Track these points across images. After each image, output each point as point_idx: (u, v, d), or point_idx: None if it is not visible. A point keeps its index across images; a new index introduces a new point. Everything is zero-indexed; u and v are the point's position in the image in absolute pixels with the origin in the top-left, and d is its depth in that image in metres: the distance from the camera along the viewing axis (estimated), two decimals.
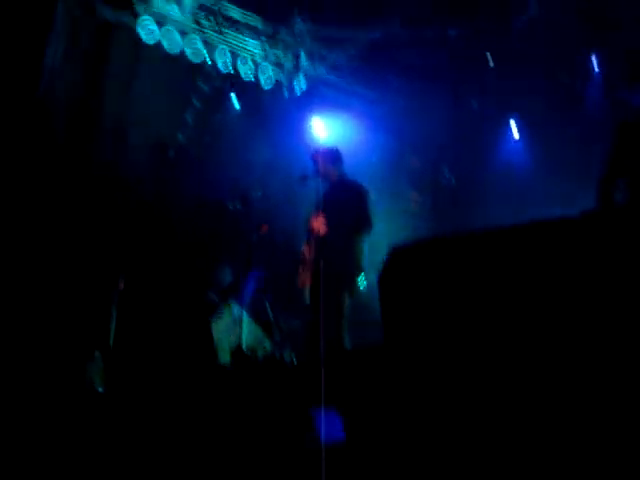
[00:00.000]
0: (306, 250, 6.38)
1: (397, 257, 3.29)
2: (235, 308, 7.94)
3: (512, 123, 11.27)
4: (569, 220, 2.92)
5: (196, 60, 10.01)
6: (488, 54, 10.21)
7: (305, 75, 10.85)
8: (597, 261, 2.68)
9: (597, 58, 9.96)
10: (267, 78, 10.63)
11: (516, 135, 11.25)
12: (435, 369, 2.99)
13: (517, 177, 10.51)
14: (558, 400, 2.55)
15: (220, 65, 10.24)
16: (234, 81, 10.81)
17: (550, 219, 3.00)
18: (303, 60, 10.68)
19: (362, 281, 6.31)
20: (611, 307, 2.58)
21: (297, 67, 10.67)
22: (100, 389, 6.62)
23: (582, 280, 2.69)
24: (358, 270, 6.22)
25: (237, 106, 11.23)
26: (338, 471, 3.16)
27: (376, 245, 6.47)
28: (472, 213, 10.43)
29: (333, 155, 6.75)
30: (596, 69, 10.01)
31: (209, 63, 10.26)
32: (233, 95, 11.11)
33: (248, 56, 10.48)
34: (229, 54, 10.28)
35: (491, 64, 10.42)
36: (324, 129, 11.32)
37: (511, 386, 2.69)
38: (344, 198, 6.41)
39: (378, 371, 3.24)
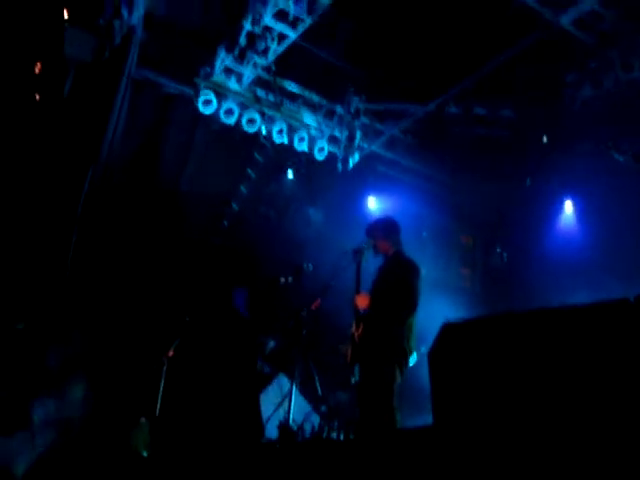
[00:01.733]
0: (354, 326, 6.30)
1: (448, 333, 3.26)
2: (284, 381, 7.89)
3: (567, 203, 11.15)
4: (621, 303, 2.88)
5: (251, 130, 10.19)
6: (544, 135, 10.18)
7: (359, 149, 10.97)
8: None
9: None
10: (320, 150, 10.78)
11: (571, 215, 11.13)
12: (484, 449, 2.93)
13: (570, 258, 10.35)
14: None
15: (275, 136, 10.42)
16: (289, 153, 10.96)
17: (602, 302, 2.96)
18: (358, 134, 10.81)
19: (412, 359, 6.21)
20: None
21: (351, 141, 10.79)
22: (144, 454, 6.60)
23: (632, 364, 2.65)
24: (409, 349, 6.12)
25: (291, 176, 11.37)
26: None
27: (425, 322, 6.40)
28: (523, 293, 10.30)
29: (387, 228, 6.64)
30: None
31: (264, 134, 10.45)
32: (289, 169, 11.25)
33: (304, 129, 10.66)
34: (285, 125, 10.46)
35: (544, 140, 10.41)
36: (377, 204, 11.38)
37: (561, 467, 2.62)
38: (395, 275, 6.32)
39: (429, 451, 3.18)
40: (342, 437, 7.39)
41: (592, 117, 9.56)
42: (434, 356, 3.32)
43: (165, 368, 8.00)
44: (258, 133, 10.46)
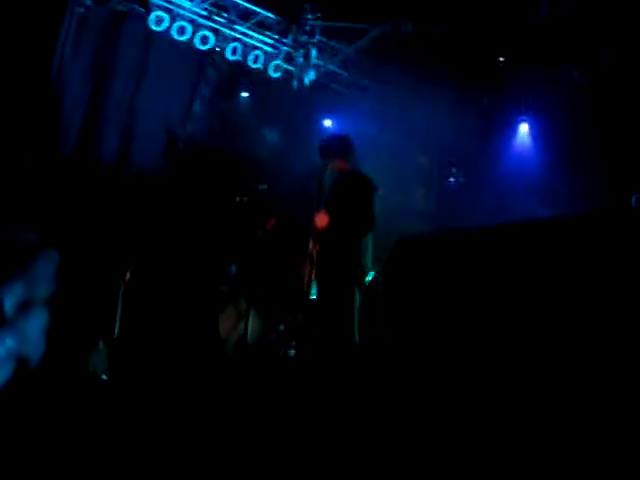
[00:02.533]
0: (312, 245, 6.29)
1: (402, 249, 3.27)
2: (242, 301, 7.92)
3: (523, 125, 11.18)
4: (575, 218, 2.91)
5: (204, 47, 9.98)
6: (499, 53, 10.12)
7: (315, 68, 10.82)
8: (601, 259, 2.67)
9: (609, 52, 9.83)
10: (276, 68, 10.63)
11: (526, 136, 11.17)
12: (434, 362, 2.97)
13: (527, 176, 10.44)
14: (554, 395, 2.53)
15: (229, 54, 10.23)
16: (244, 71, 10.78)
17: (556, 217, 2.99)
18: (313, 53, 10.64)
19: (369, 277, 6.24)
20: (613, 306, 2.56)
21: (307, 60, 10.63)
22: (104, 377, 6.62)
23: (586, 277, 2.67)
24: (366, 267, 6.14)
25: (246, 95, 11.20)
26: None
27: (382, 242, 6.42)
28: (479, 211, 10.38)
29: (343, 146, 6.58)
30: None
31: (218, 51, 10.26)
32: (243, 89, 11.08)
33: (258, 47, 10.47)
34: (239, 44, 10.27)
35: (501, 59, 10.36)
36: (334, 125, 11.29)
37: (509, 381, 2.67)
38: (349, 192, 6.29)
39: (384, 364, 3.23)
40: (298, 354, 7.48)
41: (549, 36, 9.51)
42: (387, 271, 3.35)
43: (122, 291, 7.98)
44: (212, 51, 10.26)
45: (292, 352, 7.50)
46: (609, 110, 9.07)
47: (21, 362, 4.67)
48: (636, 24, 8.85)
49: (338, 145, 6.57)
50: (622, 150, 6.70)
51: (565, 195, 9.20)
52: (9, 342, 4.67)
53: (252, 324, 6.87)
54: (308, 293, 6.27)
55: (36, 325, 4.92)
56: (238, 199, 6.98)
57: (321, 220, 6.18)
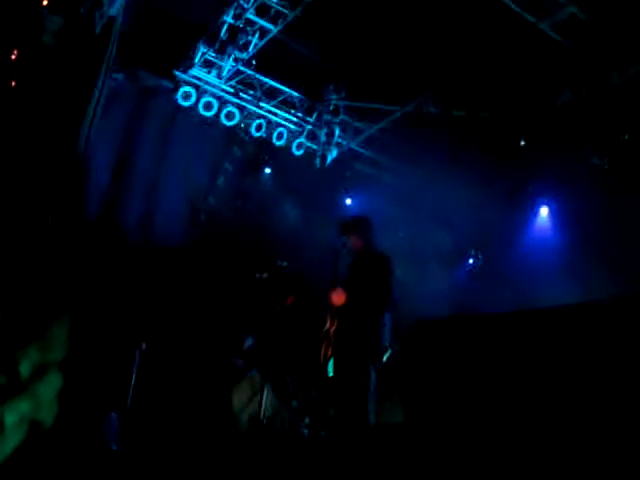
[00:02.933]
0: (329, 322, 6.27)
1: (421, 330, 3.26)
2: (256, 377, 7.86)
3: (543, 208, 11.21)
4: (595, 305, 2.90)
5: (230, 124, 10.17)
6: (521, 137, 10.23)
7: (338, 146, 10.98)
8: (622, 345, 2.66)
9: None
10: (299, 146, 10.79)
11: (546, 219, 11.19)
12: (454, 446, 2.93)
13: (546, 261, 10.39)
14: None
15: (254, 131, 10.41)
16: (267, 148, 10.96)
17: (576, 303, 2.99)
18: (336, 132, 10.82)
19: (386, 356, 6.20)
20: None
21: (330, 139, 10.80)
22: (114, 447, 6.55)
23: (607, 363, 2.66)
24: (383, 345, 6.10)
25: (269, 171, 11.36)
26: None
27: (402, 319, 6.40)
28: (499, 294, 10.33)
29: (360, 225, 6.64)
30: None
31: (242, 127, 10.44)
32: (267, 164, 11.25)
33: (283, 125, 10.67)
34: (263, 121, 10.47)
35: (522, 142, 10.46)
36: (354, 203, 11.37)
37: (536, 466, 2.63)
38: (367, 269, 6.30)
39: (400, 448, 3.18)
40: (311, 433, 7.39)
41: (570, 122, 9.62)
42: (406, 352, 3.32)
43: (137, 361, 7.96)
44: (237, 127, 10.45)
45: (305, 431, 7.41)
46: (629, 192, 9.10)
47: (34, 425, 4.66)
48: None
49: (358, 223, 6.63)
50: None
51: (585, 277, 9.15)
52: (24, 407, 4.67)
53: (266, 399, 6.81)
54: (324, 370, 6.23)
55: (50, 389, 4.92)
56: (258, 275, 7.00)
57: (338, 297, 6.18)
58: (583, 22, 8.18)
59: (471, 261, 12.07)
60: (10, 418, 4.50)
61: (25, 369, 4.76)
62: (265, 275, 7.05)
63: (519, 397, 2.87)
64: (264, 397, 6.72)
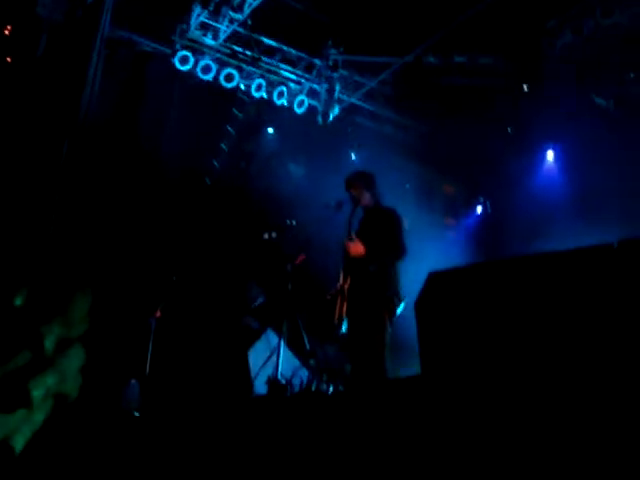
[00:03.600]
0: (342, 278, 6.30)
1: (434, 283, 3.27)
2: (272, 336, 7.90)
3: (549, 153, 11.14)
4: (605, 248, 2.91)
5: (229, 86, 10.10)
6: (524, 83, 10.13)
7: (339, 102, 10.90)
8: (632, 289, 2.68)
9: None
10: (300, 103, 10.71)
11: (553, 164, 11.13)
12: (471, 398, 2.95)
13: (554, 205, 10.35)
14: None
15: (254, 91, 10.33)
16: (269, 108, 10.89)
17: (585, 247, 2.99)
18: (337, 87, 10.74)
19: (400, 309, 6.25)
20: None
21: (331, 94, 10.72)
22: (136, 414, 6.63)
23: (617, 305, 2.68)
24: (397, 298, 6.14)
25: (271, 131, 11.30)
26: None
27: (410, 272, 6.43)
28: (507, 241, 10.32)
29: (367, 181, 6.63)
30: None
31: (242, 89, 10.36)
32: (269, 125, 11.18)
33: (283, 83, 10.58)
34: (263, 81, 10.38)
35: (525, 89, 10.37)
36: (359, 157, 11.33)
37: (554, 414, 2.65)
38: (378, 224, 6.33)
39: (417, 400, 3.20)
40: (331, 390, 7.44)
41: (572, 64, 9.51)
42: (420, 306, 3.33)
43: (153, 328, 8.02)
44: (236, 89, 10.37)
45: (324, 387, 7.47)
46: (636, 133, 9.02)
47: (60, 399, 4.73)
48: None
49: (363, 179, 6.63)
50: None
51: (595, 220, 9.13)
52: (50, 380, 4.74)
53: (283, 359, 6.85)
54: (339, 327, 6.27)
55: (74, 363, 4.97)
56: (266, 235, 7.00)
57: (356, 247, 6.18)
58: None
59: (480, 210, 12.05)
60: (37, 392, 4.58)
61: (50, 344, 4.82)
62: (274, 234, 7.05)
63: (533, 345, 2.88)
64: (281, 357, 6.76)
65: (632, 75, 9.41)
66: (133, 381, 7.73)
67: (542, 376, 2.78)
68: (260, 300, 8.76)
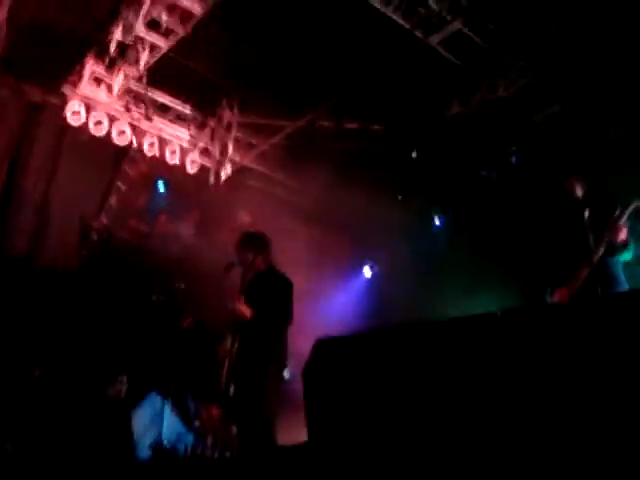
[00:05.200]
0: (230, 341, 6.25)
1: (321, 350, 3.27)
2: (156, 400, 7.72)
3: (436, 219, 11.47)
4: (489, 317, 3.00)
5: (122, 143, 9.98)
6: (413, 149, 10.44)
7: (231, 163, 10.92)
8: (513, 354, 2.78)
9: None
10: (192, 163, 10.67)
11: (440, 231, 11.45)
12: (357, 465, 2.95)
13: (439, 274, 10.57)
14: None
15: (146, 149, 10.23)
16: (161, 166, 10.79)
17: (471, 316, 3.08)
18: (230, 148, 10.77)
19: (286, 374, 6.27)
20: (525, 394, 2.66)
21: (224, 155, 10.74)
22: None
23: (500, 369, 2.77)
24: (283, 362, 6.15)
25: (162, 190, 11.17)
26: None
27: (297, 337, 6.46)
28: (394, 304, 10.49)
29: (258, 243, 6.61)
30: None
31: (134, 145, 10.24)
32: (160, 182, 11.05)
33: (175, 142, 10.53)
34: (155, 139, 10.31)
35: (414, 155, 10.66)
36: (249, 219, 11.31)
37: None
38: (267, 289, 6.31)
39: (303, 469, 3.18)
40: (217, 455, 7.32)
41: (460, 135, 9.88)
42: (308, 372, 3.33)
43: (31, 389, 7.69)
44: (129, 145, 10.25)
45: (209, 452, 7.33)
46: (518, 205, 9.40)
47: None
48: (539, 123, 9.31)
49: (254, 241, 6.62)
50: (532, 244, 6.93)
51: (478, 289, 9.38)
52: None
53: (168, 423, 6.68)
54: (227, 389, 6.21)
55: None
56: (155, 298, 6.88)
57: (243, 311, 6.15)
58: (469, 37, 8.44)
59: (368, 273, 12.24)
60: None
61: None
62: (162, 297, 6.95)
63: (418, 411, 2.92)
64: (165, 421, 6.60)
65: (514, 148, 9.85)
66: (8, 443, 7.37)
67: (426, 440, 2.82)
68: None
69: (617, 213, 5.17)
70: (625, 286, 5.26)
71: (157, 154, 10.40)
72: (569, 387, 2.66)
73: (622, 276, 5.30)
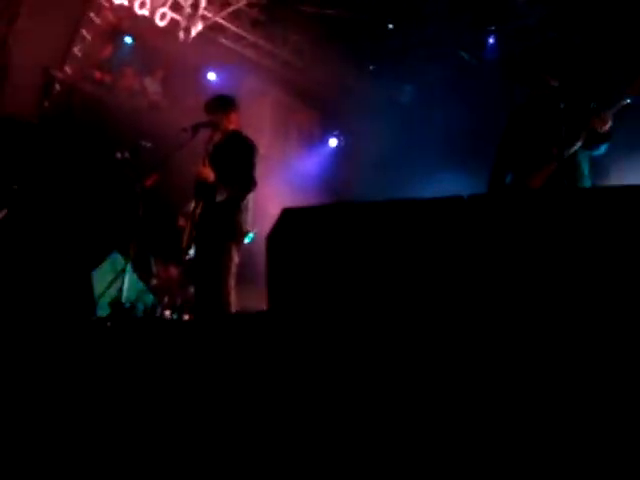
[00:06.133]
0: (194, 203, 6.24)
1: (287, 219, 3.26)
2: (118, 259, 7.73)
3: (406, 88, 11.37)
4: (456, 200, 3.02)
5: None
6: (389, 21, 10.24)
7: (203, 19, 10.54)
8: (476, 239, 2.82)
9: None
10: (162, 16, 10.26)
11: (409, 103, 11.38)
12: (317, 334, 3.00)
13: (408, 150, 10.55)
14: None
15: None
16: (129, 17, 10.36)
17: (439, 198, 3.10)
18: (202, 4, 10.38)
19: (248, 238, 6.31)
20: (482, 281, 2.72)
21: (195, 10, 10.36)
22: None
23: (459, 254, 2.82)
24: (245, 228, 6.18)
25: (130, 41, 10.77)
26: None
27: (261, 202, 6.48)
28: (360, 175, 10.52)
29: (227, 105, 6.49)
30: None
31: None
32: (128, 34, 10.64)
33: None
34: None
35: (390, 26, 10.45)
36: (218, 78, 11.05)
37: (400, 356, 2.75)
38: (232, 153, 6.25)
39: (263, 336, 3.22)
40: (175, 316, 7.45)
41: (439, 10, 9.69)
42: (272, 241, 3.32)
43: None
44: None
45: (167, 313, 7.44)
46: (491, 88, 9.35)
47: None
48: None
49: (223, 103, 6.51)
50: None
51: (446, 168, 9.45)
52: None
53: (129, 282, 6.72)
54: (187, 251, 6.26)
55: None
56: (119, 155, 6.75)
57: (206, 174, 6.11)
58: None
59: (334, 142, 12.17)
60: None
61: None
62: (127, 154, 6.83)
63: (378, 287, 2.97)
64: (126, 279, 6.63)
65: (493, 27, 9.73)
66: None
67: (384, 316, 2.88)
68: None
69: (602, 106, 5.17)
70: (589, 182, 5.32)
71: (125, 3, 9.96)
72: (528, 276, 2.72)
73: (587, 171, 5.34)
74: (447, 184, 8.61)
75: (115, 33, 10.75)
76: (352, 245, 3.09)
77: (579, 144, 5.14)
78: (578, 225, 2.75)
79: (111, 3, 10.04)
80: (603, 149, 5.32)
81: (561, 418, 2.45)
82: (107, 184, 8.70)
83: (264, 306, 3.36)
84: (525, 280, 2.71)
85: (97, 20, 10.34)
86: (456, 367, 2.65)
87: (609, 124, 5.09)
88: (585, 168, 5.38)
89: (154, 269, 8.20)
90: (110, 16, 10.50)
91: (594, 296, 2.59)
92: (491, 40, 10.14)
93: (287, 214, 3.28)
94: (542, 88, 5.41)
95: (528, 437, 2.46)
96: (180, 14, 10.44)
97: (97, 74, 10.52)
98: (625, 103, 5.10)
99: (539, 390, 2.52)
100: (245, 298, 6.37)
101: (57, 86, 9.99)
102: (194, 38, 10.57)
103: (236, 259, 6.08)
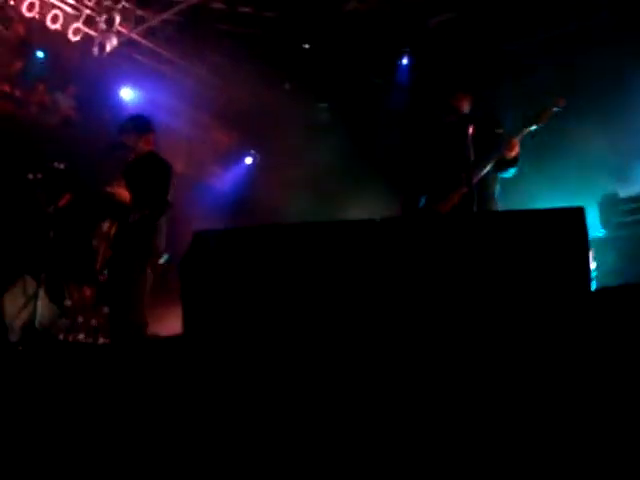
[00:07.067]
0: (109, 223, 6.19)
1: (199, 243, 3.30)
2: (29, 282, 7.57)
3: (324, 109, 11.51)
4: (369, 222, 3.12)
5: None
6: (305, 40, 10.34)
7: (118, 35, 10.42)
8: (387, 260, 2.92)
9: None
10: (75, 30, 10.07)
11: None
12: (232, 357, 3.04)
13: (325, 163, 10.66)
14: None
15: (24, 9, 9.56)
16: (41, 31, 10.13)
17: (352, 221, 3.19)
18: (117, 19, 10.26)
19: (163, 259, 6.32)
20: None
21: (110, 26, 10.23)
22: None
23: (371, 274, 2.92)
24: (159, 249, 6.18)
25: (41, 55, 10.52)
26: None
27: (176, 223, 6.48)
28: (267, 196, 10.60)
29: (141, 126, 6.48)
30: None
31: (12, 4, 9.57)
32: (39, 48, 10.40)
33: (58, 4, 9.88)
34: (37, 0, 9.63)
35: (306, 46, 10.56)
36: (133, 96, 10.93)
37: (311, 379, 2.82)
38: (147, 173, 6.24)
39: (178, 360, 3.24)
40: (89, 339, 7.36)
41: (354, 29, 9.83)
42: (185, 265, 3.35)
43: None
44: (6, 4, 9.55)
45: (82, 336, 7.32)
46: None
47: None
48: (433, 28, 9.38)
49: (137, 124, 6.50)
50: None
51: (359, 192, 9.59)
52: None
53: (41, 306, 6.59)
54: (101, 272, 6.22)
55: None
56: (31, 176, 6.63)
57: (120, 194, 6.09)
58: None
59: (249, 160, 12.22)
60: None
61: None
62: (39, 176, 6.71)
63: (292, 309, 3.03)
64: (38, 303, 6.51)
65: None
66: None
67: (298, 336, 2.94)
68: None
69: (507, 131, 5.39)
70: (498, 204, 5.53)
71: (37, 17, 9.75)
72: (440, 294, 2.84)
73: (497, 193, 5.55)
74: (365, 204, 8.77)
75: (26, 46, 10.50)
76: (262, 267, 3.14)
77: (488, 169, 5.33)
78: (479, 245, 2.91)
79: (21, 16, 9.80)
80: (511, 173, 5.54)
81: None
82: (17, 205, 8.49)
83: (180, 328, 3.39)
84: (430, 296, 2.84)
85: (6, 32, 10.08)
86: (369, 386, 2.74)
87: (517, 150, 5.31)
88: (495, 190, 5.58)
89: (67, 291, 8.05)
90: (20, 29, 10.26)
91: (490, 309, 2.76)
92: (404, 61, 10.37)
93: (198, 238, 3.32)
94: (451, 114, 5.59)
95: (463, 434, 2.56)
96: (94, 29, 10.29)
97: (6, 87, 10.25)
98: (532, 130, 5.33)
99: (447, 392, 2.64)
100: (162, 319, 6.36)
101: None
102: (109, 54, 10.42)
103: (150, 280, 6.07)
